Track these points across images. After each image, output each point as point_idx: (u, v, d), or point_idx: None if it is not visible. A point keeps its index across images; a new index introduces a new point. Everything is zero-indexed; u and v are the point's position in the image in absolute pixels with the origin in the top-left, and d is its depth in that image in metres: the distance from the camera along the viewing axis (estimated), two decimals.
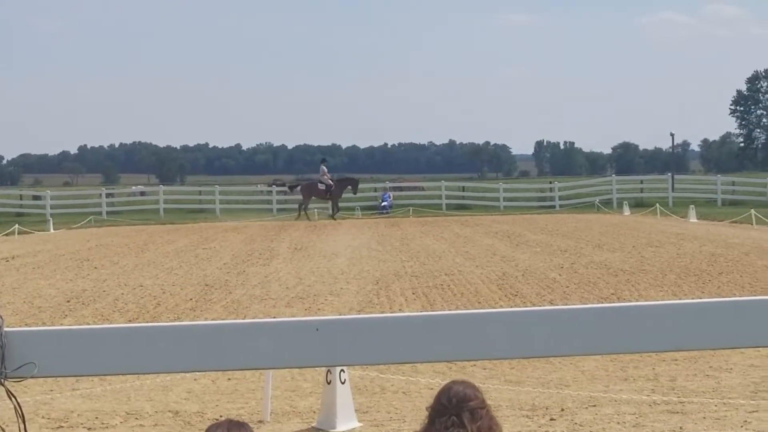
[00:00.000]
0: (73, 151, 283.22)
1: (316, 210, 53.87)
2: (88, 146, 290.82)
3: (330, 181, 53.44)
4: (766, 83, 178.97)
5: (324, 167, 54.52)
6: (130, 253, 31.81)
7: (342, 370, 10.06)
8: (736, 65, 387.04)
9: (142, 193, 73.07)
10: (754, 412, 10.44)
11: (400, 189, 70.93)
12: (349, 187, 54.73)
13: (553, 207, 60.10)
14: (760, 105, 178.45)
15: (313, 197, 53.54)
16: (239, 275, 24.41)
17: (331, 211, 53.79)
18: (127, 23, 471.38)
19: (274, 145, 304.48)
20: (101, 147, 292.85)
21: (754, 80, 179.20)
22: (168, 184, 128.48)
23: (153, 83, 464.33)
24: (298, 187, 55.22)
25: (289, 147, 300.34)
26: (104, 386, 12.17)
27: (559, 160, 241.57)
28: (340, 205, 54.07)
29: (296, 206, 56.14)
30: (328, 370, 10.03)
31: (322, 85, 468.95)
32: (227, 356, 3.86)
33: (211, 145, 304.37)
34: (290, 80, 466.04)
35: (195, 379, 12.38)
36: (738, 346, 4.12)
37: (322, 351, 3.83)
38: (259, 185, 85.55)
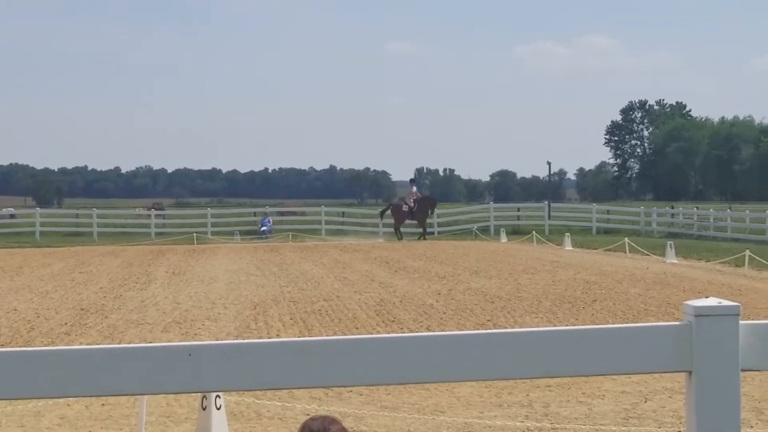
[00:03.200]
0: None
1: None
2: None
3: (412, 203, 53.10)
4: (640, 114, 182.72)
5: (414, 188, 54.25)
6: (4, 276, 31.22)
7: (218, 396, 9.99)
8: (610, 96, 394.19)
9: (12, 216, 71.61)
10: None
11: (281, 214, 70.77)
12: (429, 208, 54.72)
13: (432, 233, 60.42)
14: (635, 135, 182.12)
15: (404, 219, 53.43)
16: (116, 299, 24.12)
17: (422, 234, 53.90)
18: (5, 45, 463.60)
19: (154, 169, 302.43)
20: None
21: (628, 111, 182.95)
22: (45, 206, 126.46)
23: (30, 104, 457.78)
24: (389, 209, 55.10)
25: (169, 171, 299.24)
26: None
27: (438, 187, 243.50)
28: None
29: (176, 231, 56.34)
30: (204, 396, 9.96)
31: (201, 109, 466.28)
32: (98, 381, 3.83)
33: (89, 168, 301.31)
34: (169, 104, 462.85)
35: (68, 405, 12.20)
36: (610, 372, 4.18)
37: (194, 376, 3.82)
38: (137, 209, 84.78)
